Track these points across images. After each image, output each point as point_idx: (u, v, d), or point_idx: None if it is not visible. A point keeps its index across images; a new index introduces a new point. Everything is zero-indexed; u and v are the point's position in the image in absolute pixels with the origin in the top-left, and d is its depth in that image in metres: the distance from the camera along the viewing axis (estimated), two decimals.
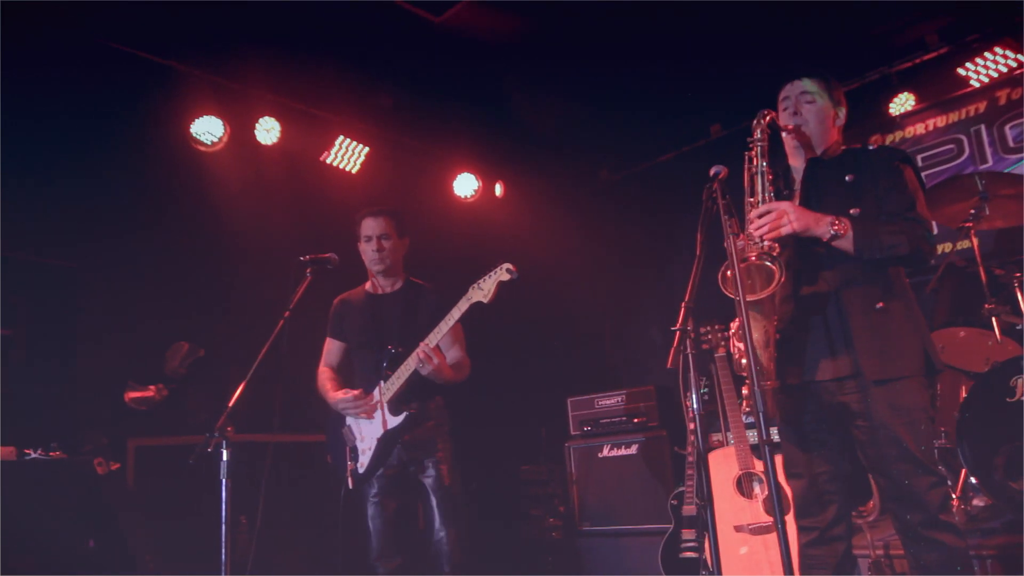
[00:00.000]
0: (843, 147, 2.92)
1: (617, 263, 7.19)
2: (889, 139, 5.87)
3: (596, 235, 7.10)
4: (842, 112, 2.94)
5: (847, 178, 2.77)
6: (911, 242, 2.58)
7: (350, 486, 3.65)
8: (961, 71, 5.48)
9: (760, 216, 2.62)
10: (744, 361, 2.37)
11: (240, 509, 3.81)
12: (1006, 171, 5.13)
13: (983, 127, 5.45)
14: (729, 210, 2.49)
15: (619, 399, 5.69)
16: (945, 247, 5.26)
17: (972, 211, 4.07)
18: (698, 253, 2.60)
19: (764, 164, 2.72)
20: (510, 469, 6.20)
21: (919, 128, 5.75)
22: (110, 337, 4.69)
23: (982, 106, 5.47)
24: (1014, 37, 5.21)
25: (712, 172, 2.70)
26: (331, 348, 3.93)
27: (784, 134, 2.87)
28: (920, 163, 5.68)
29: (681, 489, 4.45)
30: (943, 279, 4.49)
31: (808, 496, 2.77)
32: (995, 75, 5.37)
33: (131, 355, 4.74)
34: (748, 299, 2.46)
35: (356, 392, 3.66)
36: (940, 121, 5.66)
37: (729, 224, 2.46)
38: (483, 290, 3.38)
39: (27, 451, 3.75)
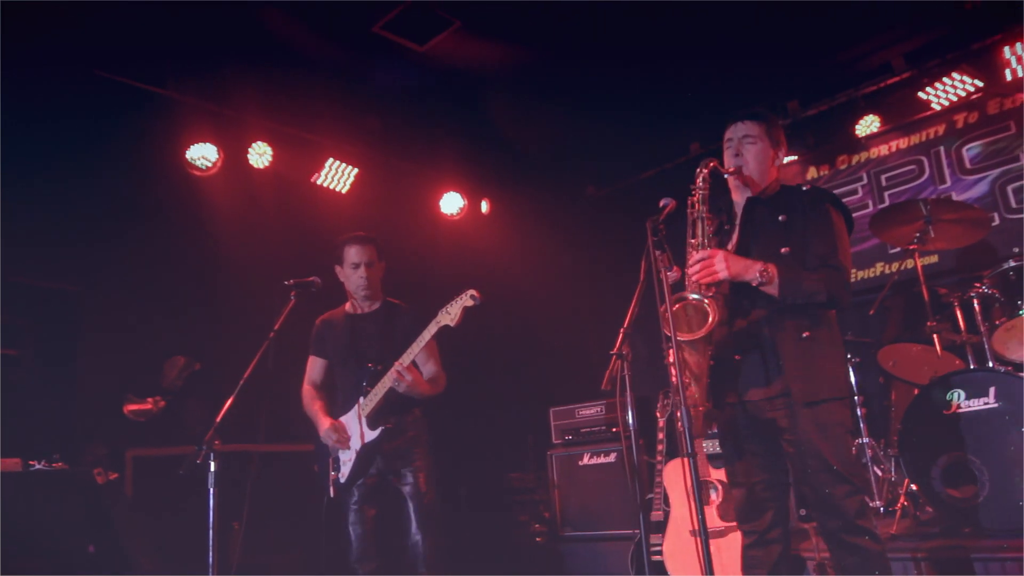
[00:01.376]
0: (780, 185, 3.14)
1: (602, 277, 7.36)
2: (855, 159, 6.11)
3: (581, 250, 7.27)
4: (781, 152, 3.16)
5: (780, 218, 3.00)
6: (829, 291, 2.83)
7: (331, 495, 3.89)
8: (922, 95, 5.71)
9: (697, 262, 2.86)
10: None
11: (232, 514, 4.04)
12: (954, 198, 5.38)
13: (942, 149, 5.68)
14: (661, 245, 2.72)
15: (598, 409, 5.87)
16: (893, 266, 5.50)
17: (917, 234, 4.31)
18: (641, 279, 2.85)
19: (705, 210, 2.96)
20: (499, 476, 6.37)
21: (883, 149, 5.98)
22: (109, 353, 4.90)
23: (941, 128, 5.70)
24: (970, 63, 5.45)
25: (661, 204, 2.95)
26: (314, 365, 4.14)
27: (726, 176, 3.10)
28: (884, 183, 5.91)
29: (650, 496, 4.67)
30: (894, 297, 4.72)
31: (747, 503, 3.02)
32: (954, 99, 5.61)
33: (129, 369, 4.94)
34: (684, 339, 2.72)
35: (340, 428, 3.89)
36: (903, 143, 5.88)
37: (660, 259, 2.70)
38: (450, 314, 3.64)
39: (31, 462, 3.97)
